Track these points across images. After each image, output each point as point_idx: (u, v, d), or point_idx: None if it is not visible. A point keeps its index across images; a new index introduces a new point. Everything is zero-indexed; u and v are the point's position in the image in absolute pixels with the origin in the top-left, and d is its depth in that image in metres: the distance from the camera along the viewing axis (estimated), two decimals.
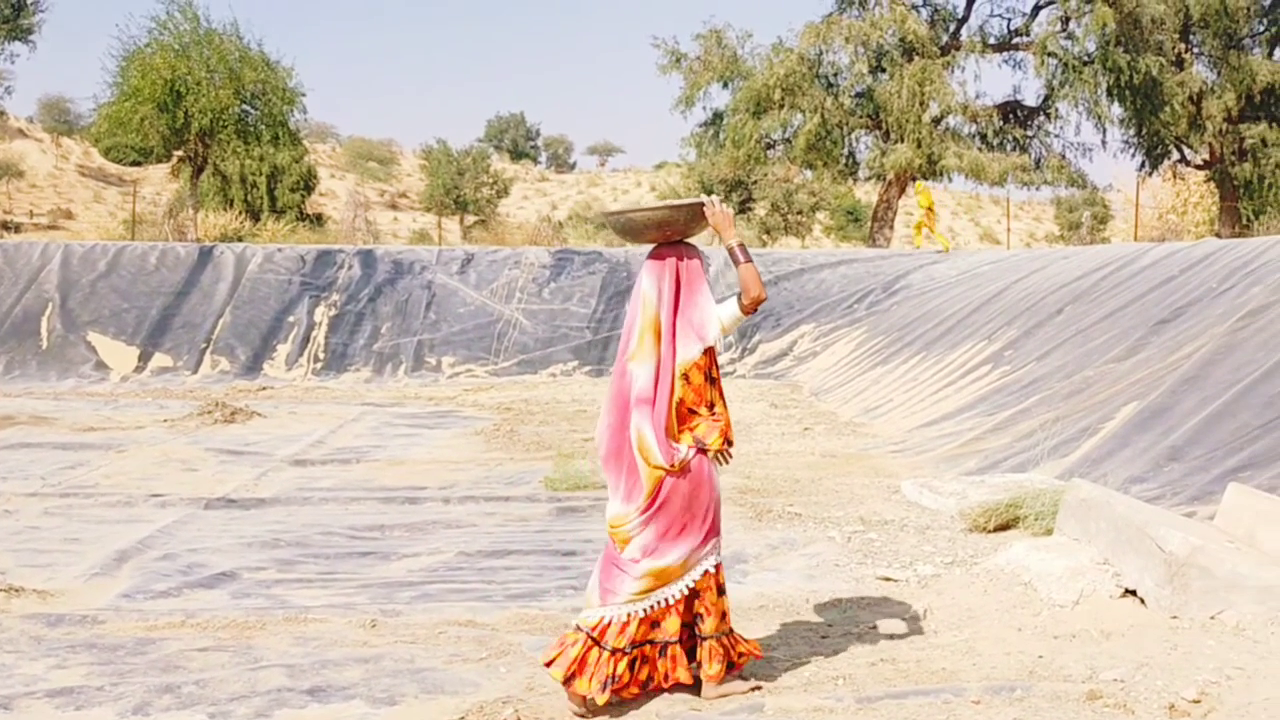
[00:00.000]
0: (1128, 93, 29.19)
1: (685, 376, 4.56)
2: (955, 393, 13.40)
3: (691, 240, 4.78)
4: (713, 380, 4.66)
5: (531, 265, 22.16)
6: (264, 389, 17.87)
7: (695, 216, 4.64)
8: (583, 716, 4.48)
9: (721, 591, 4.67)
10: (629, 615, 4.50)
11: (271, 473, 10.19)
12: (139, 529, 7.81)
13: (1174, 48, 29.95)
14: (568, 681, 4.47)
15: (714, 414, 4.64)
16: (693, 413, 4.59)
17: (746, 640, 4.84)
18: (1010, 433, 10.71)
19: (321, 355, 19.78)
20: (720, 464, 4.64)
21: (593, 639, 4.49)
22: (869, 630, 5.57)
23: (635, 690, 4.60)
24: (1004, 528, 7.54)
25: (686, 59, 31.70)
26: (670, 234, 4.67)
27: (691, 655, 4.72)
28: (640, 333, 4.59)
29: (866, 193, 44.99)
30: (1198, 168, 33.12)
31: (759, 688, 4.73)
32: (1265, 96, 30.27)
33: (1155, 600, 5.44)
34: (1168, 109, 29.45)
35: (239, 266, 21.43)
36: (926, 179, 29.11)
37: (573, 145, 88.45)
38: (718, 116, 32.69)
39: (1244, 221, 30.16)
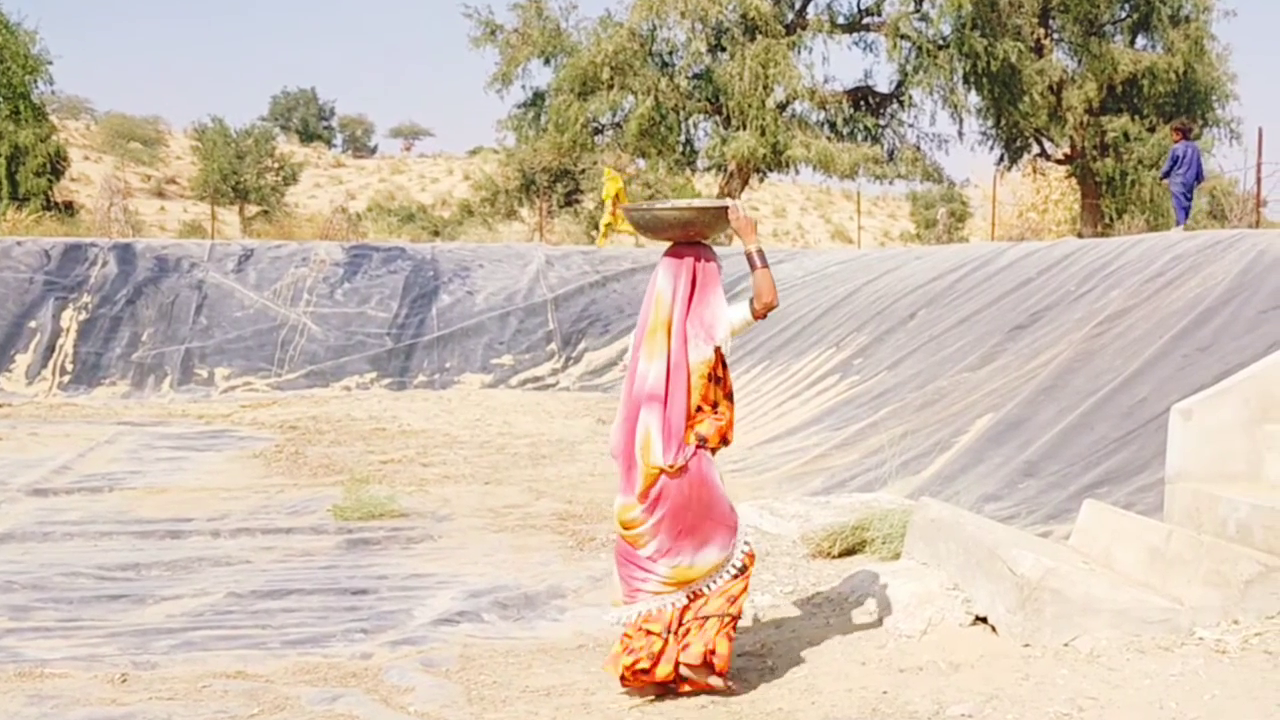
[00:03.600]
0: (985, 80, 30.46)
1: None
2: (800, 405, 13.72)
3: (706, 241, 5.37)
4: (718, 380, 5.24)
5: (322, 262, 21.78)
6: None
7: (719, 219, 5.26)
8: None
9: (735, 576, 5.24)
10: (669, 606, 5.12)
11: (5, 504, 9.79)
12: None
13: (1033, 33, 31.38)
14: (640, 675, 5.08)
15: (717, 413, 5.21)
16: (699, 410, 5.16)
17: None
18: (859, 448, 11.01)
19: (69, 367, 19.04)
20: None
21: (642, 629, 5.11)
22: None
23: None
24: (850, 553, 7.74)
25: (503, 31, 31.68)
26: (692, 234, 5.28)
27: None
28: (652, 330, 5.18)
29: (707, 184, 45.61)
30: (1058, 162, 34.76)
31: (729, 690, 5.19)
32: (1127, 87, 31.97)
33: (1007, 627, 5.66)
34: (1027, 98, 30.83)
35: None
36: (615, 169, 29.66)
37: (373, 127, 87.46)
38: (539, 97, 32.74)
39: (1106, 220, 31.77)
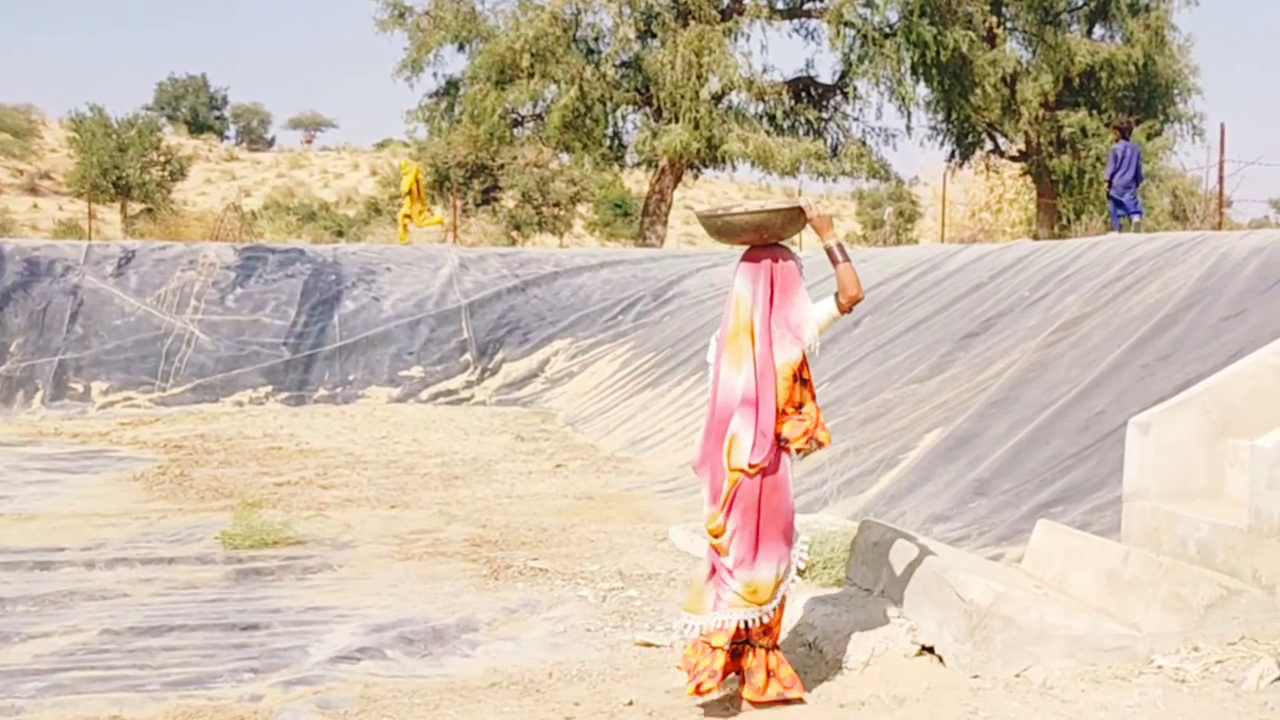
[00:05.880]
0: (934, 71, 30.76)
1: None
2: None
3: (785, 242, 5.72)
4: (804, 381, 5.58)
5: (212, 266, 21.55)
6: None
7: (793, 219, 5.57)
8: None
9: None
10: (739, 622, 5.45)
11: None
12: None
13: (985, 21, 31.75)
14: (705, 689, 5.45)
15: (801, 413, 5.54)
16: (782, 413, 5.48)
17: (787, 669, 5.63)
18: (798, 467, 11.03)
19: None
20: (799, 457, 5.68)
21: (706, 643, 5.49)
22: (624, 708, 5.62)
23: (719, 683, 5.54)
24: None
25: (412, 14, 31.54)
26: (767, 236, 5.61)
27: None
28: (733, 335, 5.55)
29: (637, 181, 45.75)
30: (1013, 159, 35.21)
31: (800, 700, 5.54)
32: (1084, 80, 32.45)
33: (955, 658, 5.71)
34: (979, 91, 31.19)
35: None
36: (411, 160, 29.85)
37: (270, 117, 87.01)
38: (453, 85, 32.62)
39: (1063, 220, 32.22)
